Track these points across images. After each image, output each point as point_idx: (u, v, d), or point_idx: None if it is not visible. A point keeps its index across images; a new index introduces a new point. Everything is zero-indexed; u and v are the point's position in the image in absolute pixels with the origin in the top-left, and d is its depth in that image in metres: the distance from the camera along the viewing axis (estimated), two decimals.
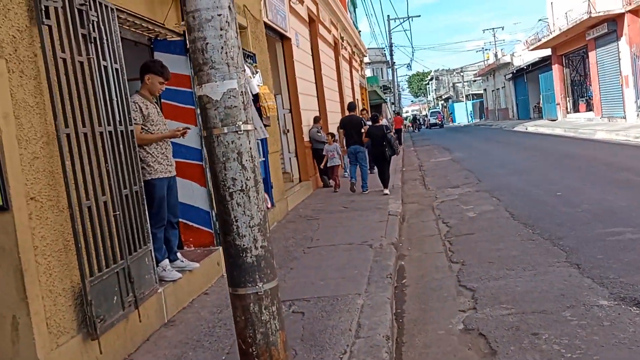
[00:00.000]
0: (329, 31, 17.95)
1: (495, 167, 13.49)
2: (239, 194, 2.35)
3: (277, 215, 8.56)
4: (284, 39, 11.66)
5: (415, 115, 62.70)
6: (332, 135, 12.57)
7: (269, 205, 8.19)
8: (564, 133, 22.64)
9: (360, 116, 13.45)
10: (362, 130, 11.13)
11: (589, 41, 23.99)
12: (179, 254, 5.09)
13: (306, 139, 12.27)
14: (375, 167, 11.47)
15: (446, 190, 11.03)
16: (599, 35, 22.70)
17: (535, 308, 4.17)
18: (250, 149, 2.42)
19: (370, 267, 5.48)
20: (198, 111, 5.59)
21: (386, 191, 10.61)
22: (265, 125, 8.23)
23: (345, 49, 22.65)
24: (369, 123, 11.44)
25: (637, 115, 20.39)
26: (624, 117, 21.47)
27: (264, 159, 8.19)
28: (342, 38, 21.44)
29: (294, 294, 4.93)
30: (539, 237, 6.25)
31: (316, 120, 12.80)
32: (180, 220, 5.58)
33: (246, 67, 7.13)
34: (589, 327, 3.70)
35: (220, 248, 5.69)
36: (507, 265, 5.34)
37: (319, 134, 12.41)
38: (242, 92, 2.44)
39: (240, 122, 2.39)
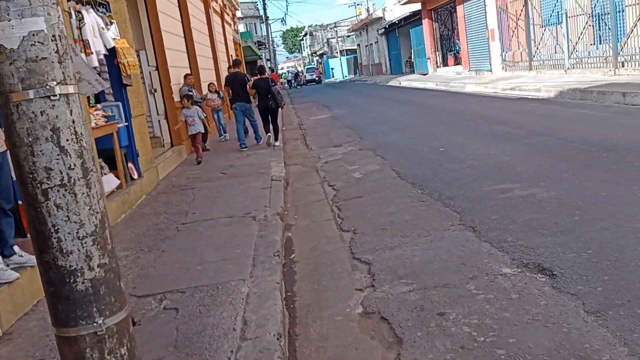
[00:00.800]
0: None
1: (376, 124, 13.34)
2: (59, 191, 1.58)
3: (146, 186, 7.62)
4: None
5: (297, 72, 62.00)
6: (218, 92, 12.56)
7: (135, 176, 7.24)
8: (436, 87, 23.27)
9: (244, 72, 13.77)
10: (248, 85, 11.28)
11: None
12: (16, 247, 4.11)
13: (176, 99, 11.21)
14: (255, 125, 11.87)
15: (329, 150, 10.63)
16: None
17: (437, 281, 3.81)
18: (74, 122, 1.64)
19: (254, 245, 4.86)
20: None
21: (277, 143, 11.12)
22: (126, 85, 7.20)
23: (216, 1, 21.27)
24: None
25: (502, 67, 21.37)
26: (490, 70, 22.44)
27: (126, 123, 7.18)
28: None
29: (165, 284, 4.20)
30: (429, 197, 5.98)
31: (187, 77, 11.73)
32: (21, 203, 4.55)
33: (97, 17, 6.03)
34: (497, 301, 3.39)
35: None
36: (401, 232, 4.99)
37: (190, 93, 11.38)
38: (55, 36, 1.63)
39: (54, 83, 1.60)
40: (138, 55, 10.47)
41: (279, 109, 11.37)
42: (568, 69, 16.58)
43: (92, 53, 5.64)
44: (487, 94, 16.96)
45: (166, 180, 8.74)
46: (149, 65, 10.66)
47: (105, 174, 6.52)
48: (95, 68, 5.82)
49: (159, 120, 10.83)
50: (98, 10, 6.40)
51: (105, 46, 6.07)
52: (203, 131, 10.47)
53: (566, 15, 16.34)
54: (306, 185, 7.86)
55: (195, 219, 6.05)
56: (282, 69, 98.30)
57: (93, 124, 5.94)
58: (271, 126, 11.24)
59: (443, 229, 4.90)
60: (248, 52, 38.08)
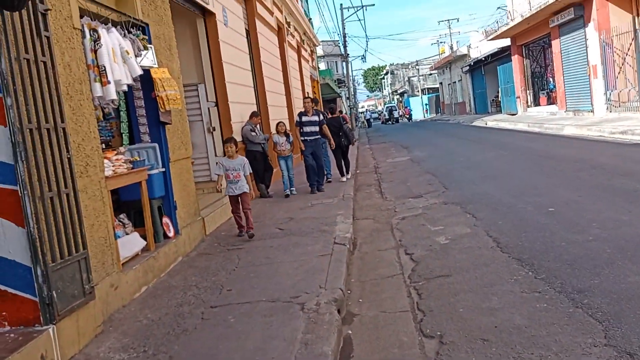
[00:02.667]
0: (271, 13, 15.72)
1: (462, 170, 11.59)
2: None
3: (184, 245, 6.34)
4: (206, 13, 9.39)
5: (392, 107, 61.29)
6: (287, 135, 10.59)
7: (171, 233, 5.98)
8: (528, 128, 21.12)
9: (321, 110, 13.42)
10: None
11: (553, 28, 22.51)
12: None
13: (238, 138, 10.05)
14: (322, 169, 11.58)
15: (407, 201, 9.03)
16: (564, 22, 21.22)
17: None
18: None
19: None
20: (9, 102, 3.37)
21: (348, 176, 12.03)
22: (164, 123, 6.01)
23: (293, 36, 20.46)
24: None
25: (607, 108, 18.97)
26: (592, 111, 20.06)
27: (162, 169, 5.97)
28: (288, 23, 19.25)
29: None
30: (548, 287, 4.26)
31: (254, 115, 10.59)
32: None
33: (124, 39, 4.88)
34: None
35: (51, 329, 3.47)
36: (513, 349, 3.33)
37: (253, 133, 10.21)
38: None
39: None
40: (196, 89, 9.48)
41: (350, 146, 12.36)
42: None
43: (108, 82, 4.46)
44: (591, 137, 14.76)
45: (214, 235, 7.46)
46: (207, 101, 9.61)
47: (128, 233, 5.29)
48: (112, 101, 4.64)
49: (216, 162, 9.68)
50: (130, 32, 5.28)
51: (130, 75, 4.90)
52: (247, 191, 6.99)
53: None
54: (377, 251, 6.30)
55: (229, 301, 4.64)
56: (362, 107, 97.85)
57: (109, 172, 4.73)
58: (343, 161, 11.96)
59: (580, 351, 3.20)
60: (326, 89, 37.30)
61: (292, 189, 10.40)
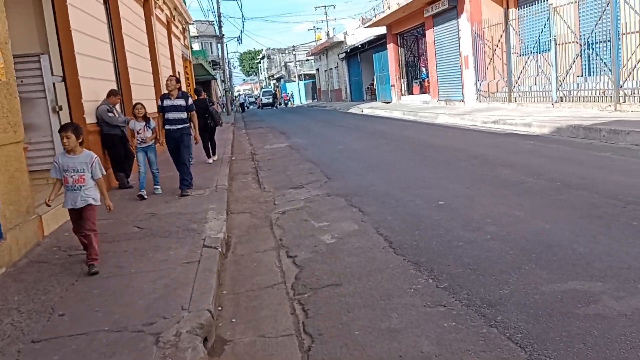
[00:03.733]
0: None
1: (345, 160, 11.06)
2: None
3: (11, 253, 5.01)
4: None
5: (271, 91, 60.52)
6: (147, 119, 8.39)
7: None
8: (403, 116, 21.34)
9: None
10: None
11: (427, 18, 22.90)
12: None
13: (91, 119, 8.64)
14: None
15: (287, 192, 8.25)
16: (438, 12, 21.62)
17: None
18: None
19: None
20: None
21: (214, 157, 12.46)
22: None
23: (161, 10, 18.78)
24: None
25: (477, 98, 19.61)
26: (462, 100, 20.68)
27: None
28: None
29: None
30: (453, 298, 3.67)
31: (112, 94, 9.15)
32: None
33: None
34: None
35: None
36: None
37: (111, 114, 8.83)
38: None
39: None
40: (38, 61, 7.92)
41: (216, 127, 12.73)
42: (556, 102, 14.83)
43: None
44: (465, 126, 15.00)
45: (56, 235, 6.12)
46: (52, 75, 8.07)
47: None
48: None
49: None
50: None
51: None
52: (93, 203, 4.92)
53: (555, 42, 14.65)
54: (254, 252, 5.43)
55: (59, 331, 3.52)
56: (238, 91, 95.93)
57: None
58: (209, 143, 12.41)
59: None
60: (200, 70, 35.50)
61: (156, 187, 8.37)
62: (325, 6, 56.85)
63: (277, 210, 7.13)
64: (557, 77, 14.69)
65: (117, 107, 9.36)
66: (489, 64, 18.75)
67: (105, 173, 4.83)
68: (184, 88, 23.17)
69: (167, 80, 8.37)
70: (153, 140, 8.35)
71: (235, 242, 5.92)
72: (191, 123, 8.42)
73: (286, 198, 7.87)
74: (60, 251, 5.49)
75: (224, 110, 41.61)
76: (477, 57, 19.33)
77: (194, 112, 8.44)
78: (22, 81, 7.97)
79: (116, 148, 8.96)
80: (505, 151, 9.67)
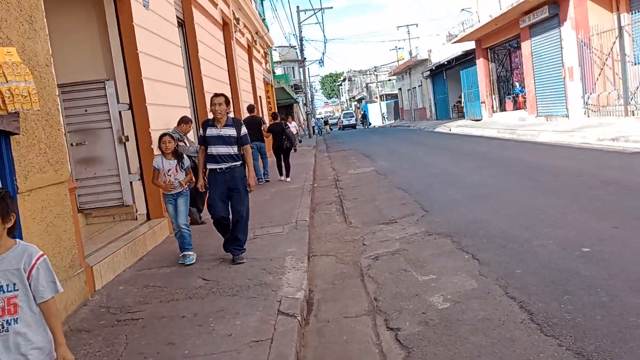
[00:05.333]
0: (215, 4, 13.54)
1: (440, 186, 9.67)
2: None
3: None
4: None
5: (365, 113, 60.78)
6: (179, 155, 6.17)
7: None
8: (498, 134, 19.52)
9: (260, 116, 15.22)
10: (262, 128, 13.12)
11: (523, 29, 21.03)
12: None
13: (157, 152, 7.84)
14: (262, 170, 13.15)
15: (378, 229, 7.00)
16: (536, 22, 19.73)
17: None
18: None
19: None
20: None
21: (287, 179, 12.84)
22: (5, 133, 3.79)
23: (242, 34, 18.30)
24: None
25: (584, 112, 17.50)
26: (567, 116, 18.58)
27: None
28: (237, 19, 17.08)
29: None
30: None
31: (183, 121, 8.35)
32: None
33: None
34: None
35: None
36: None
37: (181, 144, 8.00)
38: None
39: None
40: (103, 88, 7.25)
41: (291, 149, 13.27)
42: None
43: None
44: (577, 145, 13.10)
45: (106, 291, 5.20)
46: (118, 103, 7.36)
47: None
48: None
49: (130, 182, 7.44)
50: None
51: None
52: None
53: None
54: (342, 318, 4.23)
55: None
56: (319, 113, 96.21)
57: None
58: (283, 163, 13.03)
59: None
60: (282, 95, 35.19)
61: (186, 253, 5.92)
62: (407, 25, 55.52)
63: (368, 254, 5.90)
64: None
65: (190, 135, 8.56)
66: (599, 74, 16.67)
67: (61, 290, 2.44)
68: (264, 112, 22.60)
69: (212, 100, 5.76)
70: (187, 185, 6.09)
71: (319, 299, 4.74)
72: (244, 161, 5.91)
73: (377, 237, 6.62)
74: (108, 313, 4.53)
75: (306, 133, 41.10)
76: (584, 68, 17.28)
77: (248, 147, 5.94)
78: (86, 110, 7.35)
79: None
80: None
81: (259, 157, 12.84)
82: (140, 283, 5.24)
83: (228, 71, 14.83)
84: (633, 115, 14.90)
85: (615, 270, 4.23)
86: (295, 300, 4.30)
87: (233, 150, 5.76)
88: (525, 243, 5.32)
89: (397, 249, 5.91)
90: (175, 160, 5.99)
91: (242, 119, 13.88)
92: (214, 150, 5.74)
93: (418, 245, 5.92)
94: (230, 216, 5.88)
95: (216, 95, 5.78)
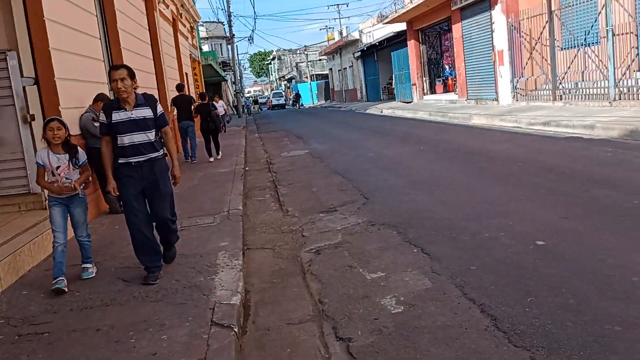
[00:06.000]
0: None
1: (379, 171, 9.34)
2: None
3: None
4: None
5: (299, 93, 59.52)
6: (71, 148, 4.70)
7: None
8: (430, 117, 19.55)
9: (190, 95, 14.86)
10: (192, 107, 12.94)
11: (454, 11, 21.07)
12: None
13: (73, 131, 6.98)
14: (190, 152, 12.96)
15: (317, 218, 6.55)
16: (467, 5, 19.79)
17: None
18: None
19: None
20: None
21: (218, 156, 13.08)
22: None
23: (166, 5, 17.17)
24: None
25: (513, 96, 17.76)
26: (496, 99, 18.83)
27: None
28: None
29: None
30: None
31: (100, 99, 7.48)
32: None
33: None
34: None
35: None
36: None
37: (97, 124, 7.16)
38: None
39: None
40: (4, 59, 6.31)
41: (219, 130, 13.47)
42: (613, 100, 12.98)
43: None
44: (509, 129, 13.19)
45: (12, 293, 4.44)
46: (23, 77, 6.44)
47: None
48: None
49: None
50: None
51: None
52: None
53: (612, 33, 12.81)
54: (285, 325, 3.74)
55: None
56: (248, 92, 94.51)
57: None
58: (212, 143, 13.06)
59: None
60: (210, 72, 33.92)
61: (86, 265, 4.72)
62: (338, 5, 55.10)
63: (308, 247, 5.43)
64: (614, 73, 12.85)
65: None
66: (528, 59, 16.92)
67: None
68: (192, 90, 21.46)
69: (111, 75, 4.37)
70: (82, 186, 4.67)
71: (256, 302, 4.23)
72: (164, 148, 4.67)
73: (317, 227, 6.17)
74: (8, 326, 3.81)
75: (235, 113, 40.01)
76: (514, 52, 17.49)
77: (168, 129, 4.69)
78: None
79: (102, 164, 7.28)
80: (583, 162, 7.86)
81: (187, 137, 12.83)
82: (47, 286, 4.51)
83: (151, 45, 13.81)
84: (561, 99, 15.21)
85: (576, 267, 3.97)
86: (230, 307, 3.76)
87: (151, 136, 4.47)
88: (476, 235, 5.02)
89: (340, 242, 5.48)
90: (67, 154, 4.54)
91: (172, 98, 13.35)
92: (126, 139, 4.38)
93: (362, 237, 5.52)
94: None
95: (114, 68, 4.42)
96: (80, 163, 4.65)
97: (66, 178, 4.52)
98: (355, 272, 4.53)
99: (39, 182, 4.67)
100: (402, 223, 5.78)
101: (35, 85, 6.49)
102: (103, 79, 8.68)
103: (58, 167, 4.51)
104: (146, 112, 4.47)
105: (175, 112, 13.02)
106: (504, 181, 7.21)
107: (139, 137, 4.43)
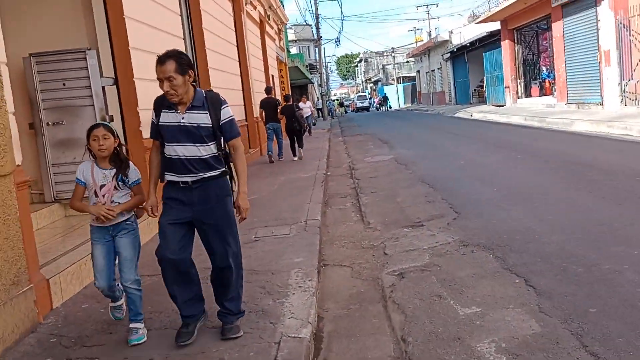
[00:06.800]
0: None
1: (471, 181, 8.56)
2: None
3: None
4: None
5: (386, 95, 59.38)
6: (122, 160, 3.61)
7: None
8: (525, 122, 18.24)
9: (276, 98, 15.22)
10: (278, 109, 13.23)
11: (555, 8, 19.59)
12: None
13: (147, 134, 6.80)
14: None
15: (401, 234, 5.94)
16: (570, 1, 18.33)
17: None
18: None
19: None
20: None
21: (296, 158, 13.28)
22: None
23: (254, 7, 17.11)
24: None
25: (621, 100, 16.17)
26: (601, 104, 17.25)
27: None
28: None
29: None
30: None
31: None
32: None
33: None
34: None
35: None
36: None
37: None
38: None
39: None
40: (84, 58, 6.20)
41: (303, 131, 13.90)
42: None
43: None
44: (618, 137, 11.87)
45: (64, 311, 4.19)
46: (102, 77, 6.31)
47: None
48: None
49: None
50: None
51: None
52: None
53: None
54: None
55: None
56: (334, 95, 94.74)
57: None
58: (296, 144, 13.50)
59: None
60: (296, 74, 33.93)
61: (135, 326, 3.49)
62: (427, 5, 53.75)
63: (391, 269, 4.84)
64: None
65: None
66: (639, 60, 15.31)
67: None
68: (277, 93, 21.34)
69: (156, 67, 3.24)
70: (132, 212, 3.61)
71: (330, 332, 3.72)
72: (229, 166, 3.53)
73: (400, 244, 5.55)
74: (59, 346, 3.52)
75: (320, 116, 39.88)
76: (622, 52, 15.91)
77: (238, 142, 3.48)
78: (64, 84, 6.31)
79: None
80: None
81: (274, 137, 13.17)
82: (103, 308, 4.22)
83: (237, 46, 13.71)
84: None
85: None
86: (299, 343, 3.25)
87: (206, 150, 3.34)
88: (593, 266, 4.21)
89: (427, 264, 4.84)
90: (114, 170, 3.48)
91: (260, 100, 13.64)
92: (172, 150, 3.34)
93: (452, 260, 4.84)
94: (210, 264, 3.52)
95: (159, 61, 3.21)
96: (131, 183, 3.52)
97: (111, 201, 3.45)
98: (445, 304, 3.89)
99: (72, 205, 3.54)
100: (500, 245, 5.04)
101: (115, 86, 6.34)
102: None
103: (103, 186, 3.44)
104: (202, 117, 3.32)
105: (263, 114, 13.25)
106: (620, 198, 6.24)
107: (188, 151, 3.31)
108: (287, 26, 32.13)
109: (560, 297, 3.72)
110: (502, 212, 6.27)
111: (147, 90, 6.70)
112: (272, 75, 20.67)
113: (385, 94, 59.82)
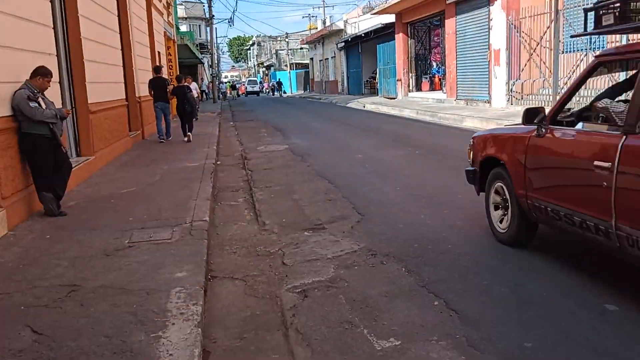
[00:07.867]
0: None
1: (372, 178, 8.11)
2: None
3: None
4: None
5: (281, 81, 58.31)
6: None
7: None
8: (418, 116, 18.38)
9: (166, 78, 14.72)
10: (168, 90, 13.35)
11: (449, 5, 19.86)
12: None
13: (4, 111, 5.57)
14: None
15: (301, 238, 5.28)
16: None
17: None
18: None
19: None
20: None
21: (187, 139, 12.90)
22: None
23: None
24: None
25: (508, 99, 16.70)
26: (488, 101, 17.75)
27: None
28: None
29: None
30: None
31: (40, 74, 6.02)
32: None
33: None
34: None
35: None
36: None
37: (33, 104, 5.74)
38: None
39: None
40: None
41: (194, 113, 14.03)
42: None
43: None
44: None
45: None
46: None
47: None
48: None
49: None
50: None
51: None
52: None
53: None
54: None
55: None
56: (225, 77, 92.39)
57: None
58: (187, 125, 13.15)
59: None
60: (186, 53, 32.10)
61: None
62: None
63: (291, 284, 4.17)
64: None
65: (48, 93, 6.27)
66: (527, 60, 15.86)
67: None
68: (166, 72, 19.81)
69: None
70: None
71: None
72: None
73: (302, 252, 4.90)
74: None
75: (209, 98, 38.29)
76: (512, 52, 16.41)
77: None
78: None
79: (41, 155, 5.87)
80: None
81: (162, 117, 13.15)
82: None
83: (118, 16, 12.28)
84: None
85: None
86: None
87: None
88: (519, 287, 3.80)
89: (333, 278, 4.21)
90: None
91: (149, 79, 13.47)
92: None
93: (361, 274, 4.25)
94: None
95: None
96: None
97: None
98: (358, 335, 3.27)
99: None
100: (412, 257, 4.53)
101: None
102: (49, 48, 7.22)
103: None
104: None
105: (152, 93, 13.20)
106: None
107: None
108: (177, 1, 30.23)
109: (488, 326, 3.24)
110: (408, 215, 5.81)
111: (9, 60, 5.48)
112: (159, 52, 19.15)
113: (279, 79, 59.10)
